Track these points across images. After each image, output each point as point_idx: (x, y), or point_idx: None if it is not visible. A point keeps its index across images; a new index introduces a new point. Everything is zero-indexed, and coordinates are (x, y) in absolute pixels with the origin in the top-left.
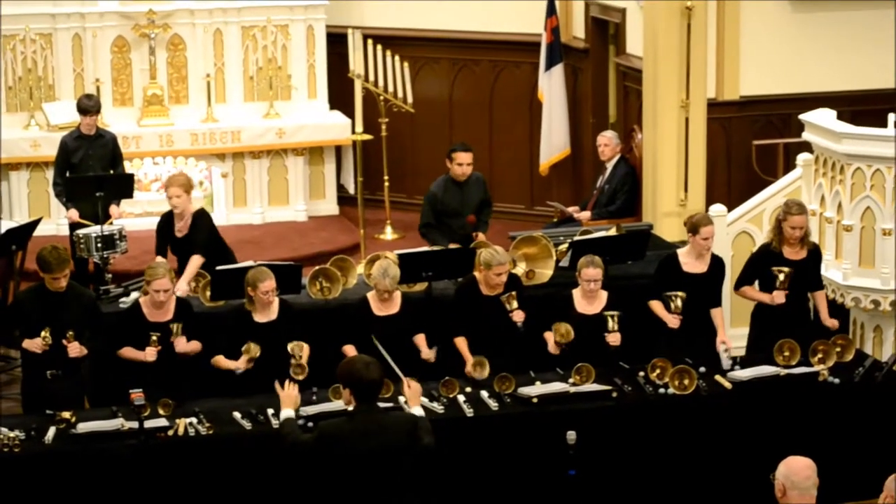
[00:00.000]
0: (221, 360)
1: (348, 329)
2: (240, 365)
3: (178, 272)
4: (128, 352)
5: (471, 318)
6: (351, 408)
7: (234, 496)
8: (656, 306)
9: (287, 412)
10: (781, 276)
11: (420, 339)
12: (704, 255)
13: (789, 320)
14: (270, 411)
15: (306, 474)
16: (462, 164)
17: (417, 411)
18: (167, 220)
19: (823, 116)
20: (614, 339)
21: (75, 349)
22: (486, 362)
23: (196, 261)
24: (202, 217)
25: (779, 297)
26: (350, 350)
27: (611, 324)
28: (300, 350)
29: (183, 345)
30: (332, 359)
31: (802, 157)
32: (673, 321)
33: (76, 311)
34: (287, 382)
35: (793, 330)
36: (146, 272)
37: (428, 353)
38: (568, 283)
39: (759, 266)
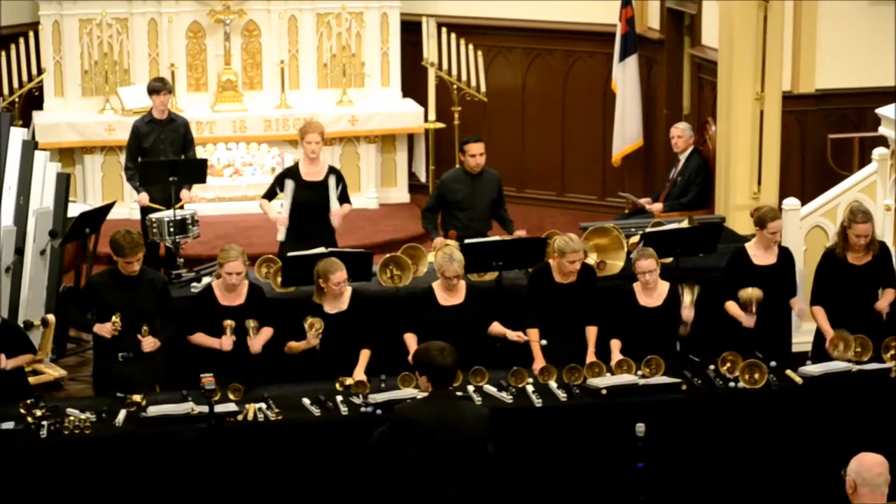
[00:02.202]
0: (293, 344)
1: (413, 318)
2: (310, 341)
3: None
4: (201, 338)
5: (542, 305)
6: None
7: (301, 482)
8: (732, 307)
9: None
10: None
11: (497, 326)
12: (772, 247)
13: (859, 318)
14: (339, 399)
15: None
16: (475, 154)
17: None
18: (294, 167)
19: None
20: (688, 314)
21: (150, 343)
22: (555, 371)
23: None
24: (337, 171)
25: (748, 321)
26: (410, 338)
27: (689, 298)
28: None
29: (258, 345)
30: (400, 346)
31: (878, 152)
32: (749, 320)
33: (148, 294)
34: None
35: (863, 327)
36: (219, 255)
37: (514, 335)
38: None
39: (827, 274)
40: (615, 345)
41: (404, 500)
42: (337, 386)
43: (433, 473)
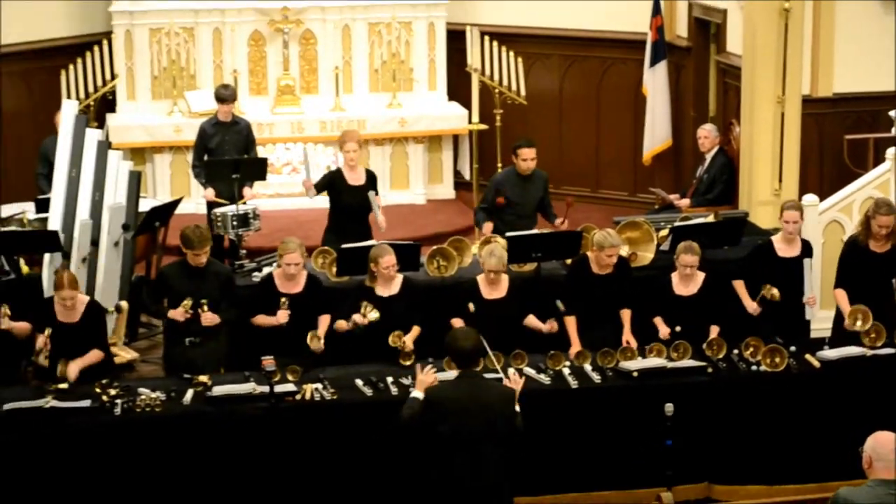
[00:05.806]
0: (341, 323)
1: (459, 305)
2: (358, 319)
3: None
4: (261, 318)
5: (580, 294)
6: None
7: (354, 457)
8: (739, 286)
9: (416, 393)
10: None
11: (532, 319)
12: (794, 240)
13: (878, 301)
14: (390, 379)
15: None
16: (526, 159)
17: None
18: (338, 171)
19: None
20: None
21: (208, 318)
22: (589, 355)
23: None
24: (373, 174)
25: (751, 306)
26: (457, 322)
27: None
28: (399, 339)
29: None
30: (447, 333)
31: (891, 151)
32: (753, 307)
33: (214, 283)
34: (428, 368)
35: (878, 313)
36: (279, 247)
37: (548, 326)
38: (667, 266)
39: (850, 261)
40: (659, 321)
41: (439, 473)
42: (391, 340)
43: (465, 447)
